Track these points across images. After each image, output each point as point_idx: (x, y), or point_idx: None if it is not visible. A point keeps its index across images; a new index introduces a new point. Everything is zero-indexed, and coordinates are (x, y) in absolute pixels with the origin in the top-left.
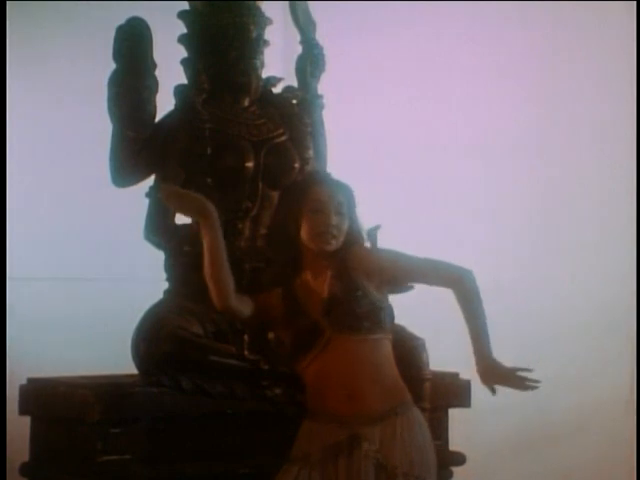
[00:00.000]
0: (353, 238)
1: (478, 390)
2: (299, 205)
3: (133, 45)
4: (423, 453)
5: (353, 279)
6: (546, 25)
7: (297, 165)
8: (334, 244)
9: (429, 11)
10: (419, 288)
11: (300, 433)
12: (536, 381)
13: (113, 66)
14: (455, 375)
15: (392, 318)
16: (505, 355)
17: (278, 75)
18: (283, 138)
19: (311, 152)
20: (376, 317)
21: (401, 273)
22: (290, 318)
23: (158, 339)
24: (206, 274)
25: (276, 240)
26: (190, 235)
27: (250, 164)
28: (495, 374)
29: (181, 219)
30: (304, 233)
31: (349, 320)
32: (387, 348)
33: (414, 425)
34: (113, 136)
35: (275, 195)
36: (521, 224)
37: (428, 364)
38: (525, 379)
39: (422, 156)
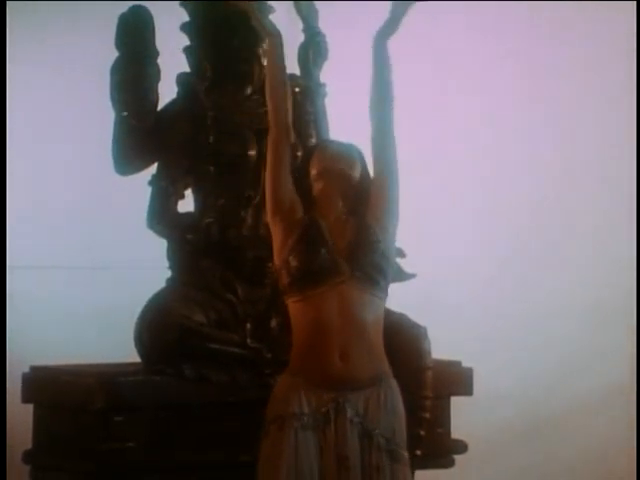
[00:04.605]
0: (368, 184)
1: (480, 378)
2: (308, 159)
3: (136, 33)
4: (402, 422)
5: (370, 224)
6: (546, 25)
7: (300, 153)
8: (346, 168)
9: (432, 3)
10: (421, 277)
11: (285, 387)
12: None
13: (116, 54)
14: (457, 363)
15: (389, 280)
16: (506, 345)
17: None
18: None
19: (313, 140)
20: (384, 271)
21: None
22: (311, 245)
23: (161, 327)
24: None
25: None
26: (193, 223)
27: (252, 152)
28: None
29: (184, 207)
30: (314, 170)
31: (366, 266)
32: (381, 311)
33: (396, 394)
34: (116, 124)
35: None
36: (521, 221)
37: (430, 352)
38: None
39: (424, 144)
